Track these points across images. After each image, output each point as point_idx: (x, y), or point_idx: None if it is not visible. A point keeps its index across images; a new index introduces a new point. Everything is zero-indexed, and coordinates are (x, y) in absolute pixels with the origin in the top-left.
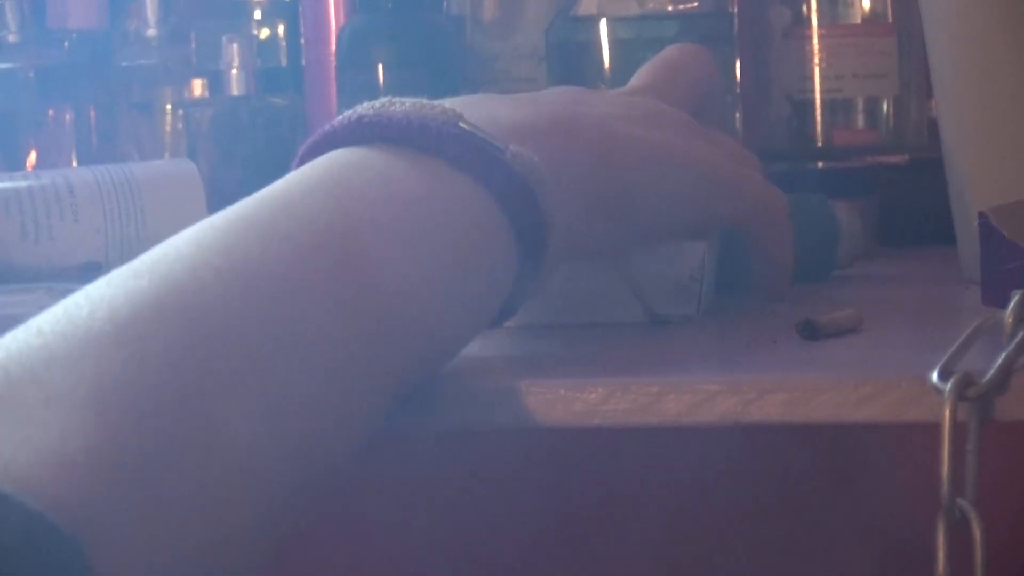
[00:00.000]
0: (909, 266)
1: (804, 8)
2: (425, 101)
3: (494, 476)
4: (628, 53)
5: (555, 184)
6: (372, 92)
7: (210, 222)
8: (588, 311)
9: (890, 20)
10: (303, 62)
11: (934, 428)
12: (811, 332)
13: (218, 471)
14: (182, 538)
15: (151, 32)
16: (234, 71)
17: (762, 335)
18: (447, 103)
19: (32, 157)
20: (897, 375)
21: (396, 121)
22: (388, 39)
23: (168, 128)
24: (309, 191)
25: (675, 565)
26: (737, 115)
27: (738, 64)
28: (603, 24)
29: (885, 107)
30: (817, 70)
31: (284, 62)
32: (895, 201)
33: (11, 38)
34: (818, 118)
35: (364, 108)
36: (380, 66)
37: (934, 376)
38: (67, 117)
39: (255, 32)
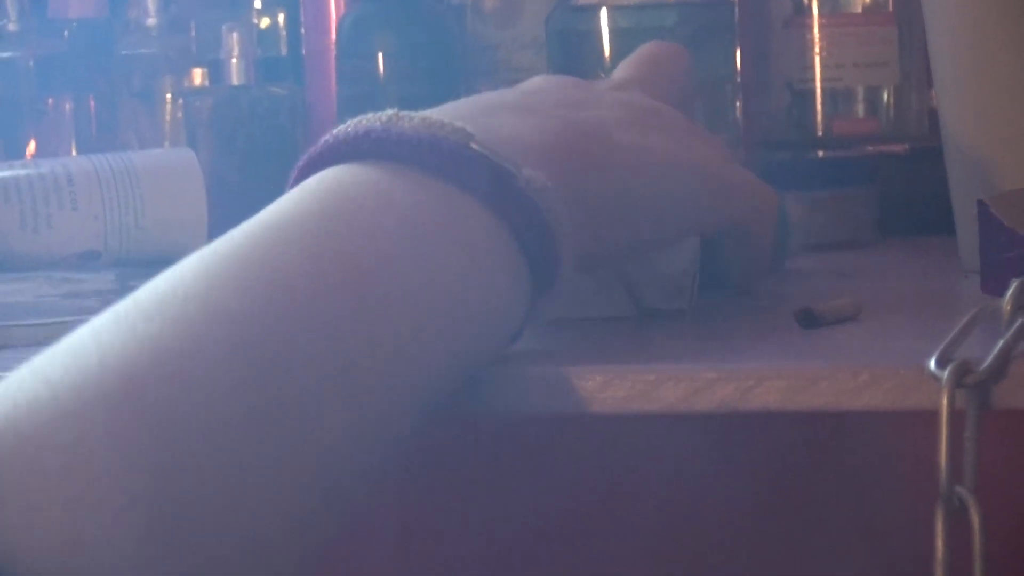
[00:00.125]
0: (909, 255)
1: None
2: (433, 117)
3: (492, 462)
4: (628, 42)
5: (565, 206)
6: (372, 81)
7: (218, 251)
8: (579, 306)
9: (890, 9)
10: (303, 51)
11: (932, 416)
12: (809, 320)
13: (250, 529)
14: None
15: (151, 21)
16: (234, 60)
17: (760, 323)
18: (451, 112)
19: (32, 146)
20: (895, 363)
21: (407, 139)
22: (388, 28)
23: (168, 117)
24: (322, 218)
25: (672, 554)
26: (737, 104)
27: (738, 53)
28: (603, 13)
29: (885, 96)
30: (818, 59)
31: (284, 51)
32: (895, 191)
33: (11, 27)
34: (818, 107)
35: (370, 121)
36: (380, 55)
37: (932, 364)
38: (67, 106)
39: (255, 21)
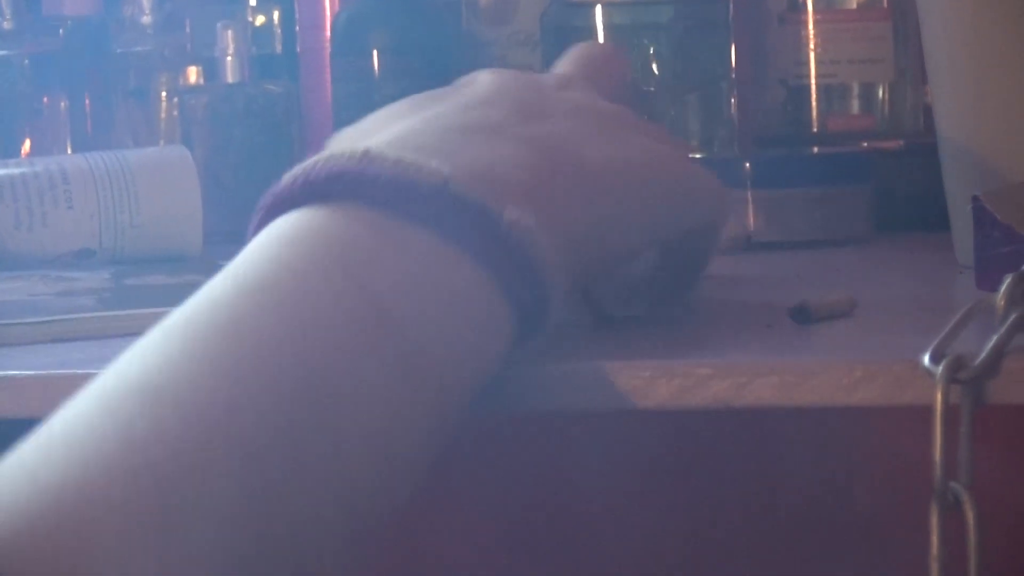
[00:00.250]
0: (903, 251)
1: None
2: (408, 158)
3: (488, 460)
4: (623, 38)
5: (549, 242)
6: (367, 79)
7: (204, 321)
8: None
9: (885, 5)
10: (298, 49)
11: (926, 411)
12: (804, 316)
13: None
14: None
15: (146, 19)
16: (229, 58)
17: (755, 319)
18: (416, 140)
19: (27, 144)
20: (889, 358)
21: (382, 183)
22: (383, 25)
23: (163, 115)
24: (296, 284)
25: (666, 549)
26: (732, 101)
27: (733, 49)
28: (598, 10)
29: (880, 93)
30: (812, 55)
31: (279, 49)
32: (890, 187)
33: (6, 25)
34: (813, 104)
35: (341, 160)
36: (375, 53)
37: (926, 359)
38: (62, 104)
39: (250, 19)
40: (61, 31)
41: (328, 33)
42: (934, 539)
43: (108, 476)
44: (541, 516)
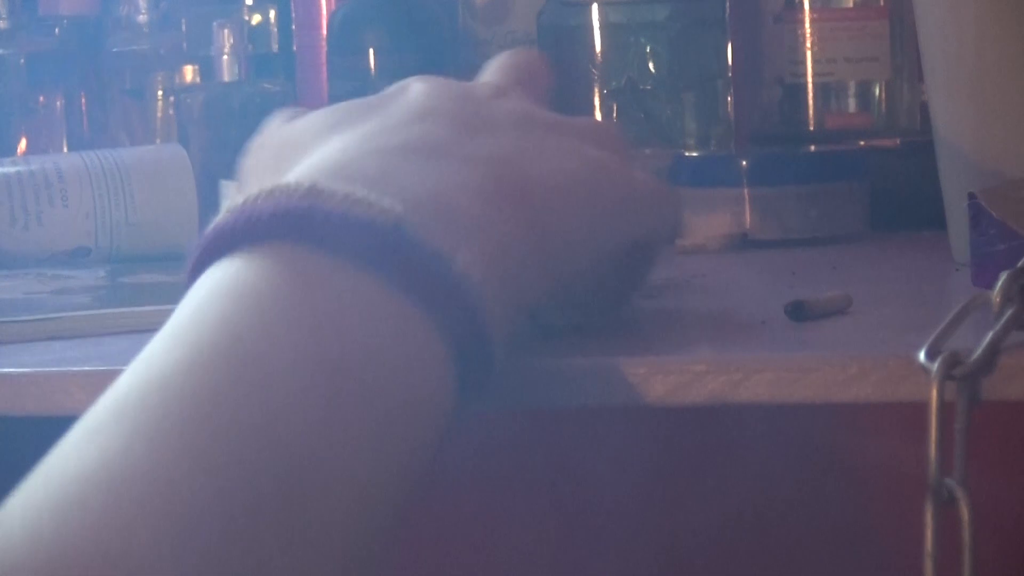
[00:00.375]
0: (899, 249)
1: None
2: (358, 193)
3: (482, 456)
4: (620, 37)
5: (497, 288)
6: (363, 77)
7: (158, 402)
8: None
9: (882, 4)
10: (294, 47)
11: (922, 408)
12: (800, 313)
13: None
14: None
15: (142, 18)
16: (225, 57)
17: (750, 316)
18: (357, 166)
19: (23, 144)
20: (884, 355)
21: (333, 222)
22: (379, 24)
23: (159, 114)
24: (246, 347)
25: (661, 544)
26: (729, 99)
27: (730, 48)
28: (595, 8)
29: (877, 91)
30: (809, 54)
31: (275, 48)
32: (886, 185)
33: (2, 24)
34: (810, 102)
35: (286, 193)
36: (371, 51)
37: (921, 355)
38: (58, 103)
39: (246, 18)
40: (57, 30)
41: (324, 32)
42: (928, 535)
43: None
44: (537, 512)
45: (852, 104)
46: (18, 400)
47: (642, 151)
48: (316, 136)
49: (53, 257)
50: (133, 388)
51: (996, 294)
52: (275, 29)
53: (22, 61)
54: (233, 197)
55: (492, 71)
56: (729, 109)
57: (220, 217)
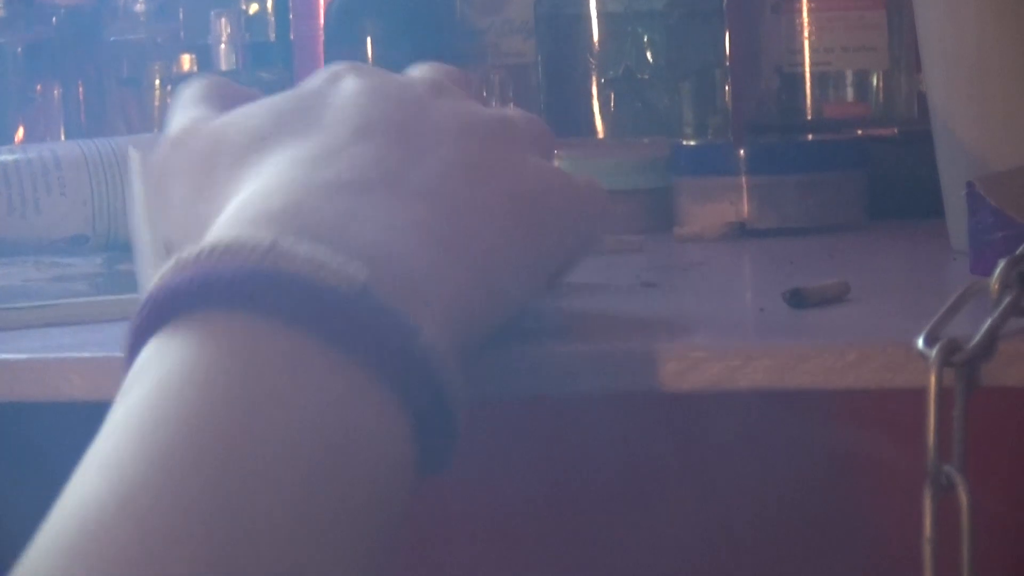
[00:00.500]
0: (898, 237)
1: None
2: (320, 255)
3: (477, 446)
4: (617, 26)
5: (457, 351)
6: None
7: (115, 512)
8: None
9: None
10: (291, 37)
11: (920, 394)
12: (798, 300)
13: None
14: None
15: (140, 7)
16: (223, 46)
17: (749, 303)
18: (310, 208)
19: (20, 133)
20: (883, 341)
21: (297, 289)
22: (376, 13)
23: (157, 103)
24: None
25: (659, 538)
26: (727, 88)
27: (728, 37)
28: None
29: (875, 80)
30: (807, 43)
31: (272, 37)
32: (885, 174)
33: (0, 13)
34: (808, 91)
35: (243, 252)
36: (368, 40)
37: (920, 342)
38: (56, 92)
39: (243, 7)
40: (54, 19)
41: (321, 21)
42: (927, 522)
43: None
44: (536, 499)
45: (850, 93)
46: (16, 386)
47: (639, 140)
48: (249, 146)
49: (51, 245)
50: (89, 491)
51: (994, 281)
52: (272, 18)
53: (19, 50)
54: (180, 245)
55: (420, 67)
56: (727, 98)
57: (169, 272)
